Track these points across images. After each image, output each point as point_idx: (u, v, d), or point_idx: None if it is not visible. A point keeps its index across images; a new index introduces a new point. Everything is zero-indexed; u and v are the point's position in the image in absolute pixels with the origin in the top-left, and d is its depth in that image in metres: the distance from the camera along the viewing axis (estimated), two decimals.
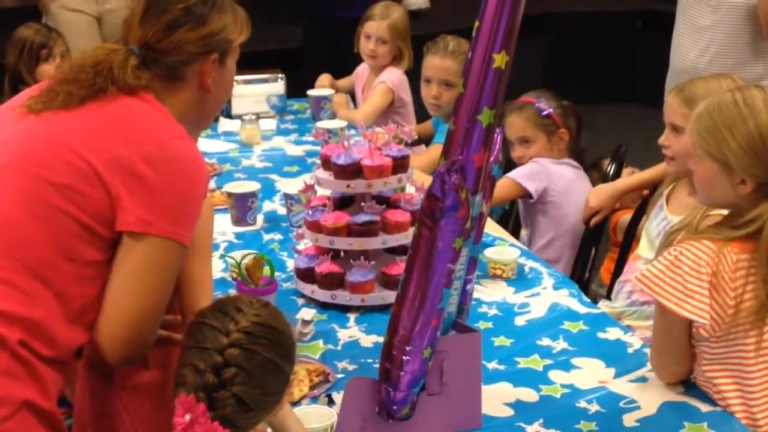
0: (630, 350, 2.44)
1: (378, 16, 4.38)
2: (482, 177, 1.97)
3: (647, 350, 2.41)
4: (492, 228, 3.15)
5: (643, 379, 2.31)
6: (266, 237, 3.16)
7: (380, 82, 4.29)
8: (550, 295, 2.75)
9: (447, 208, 1.93)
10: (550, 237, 3.41)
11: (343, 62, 4.65)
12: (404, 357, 1.99)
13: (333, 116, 4.28)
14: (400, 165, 2.70)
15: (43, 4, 5.48)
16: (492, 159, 2.02)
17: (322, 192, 2.81)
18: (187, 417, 1.65)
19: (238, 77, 4.54)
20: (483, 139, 1.93)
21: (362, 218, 2.65)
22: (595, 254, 3.46)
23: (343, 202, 2.72)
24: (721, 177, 2.15)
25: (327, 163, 2.71)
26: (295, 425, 1.92)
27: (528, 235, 3.52)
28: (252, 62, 4.63)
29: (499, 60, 1.87)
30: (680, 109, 2.76)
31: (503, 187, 3.31)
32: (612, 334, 2.52)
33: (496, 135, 1.98)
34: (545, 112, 3.45)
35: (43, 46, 4.15)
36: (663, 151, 2.85)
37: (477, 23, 1.87)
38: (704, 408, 2.18)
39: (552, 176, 3.41)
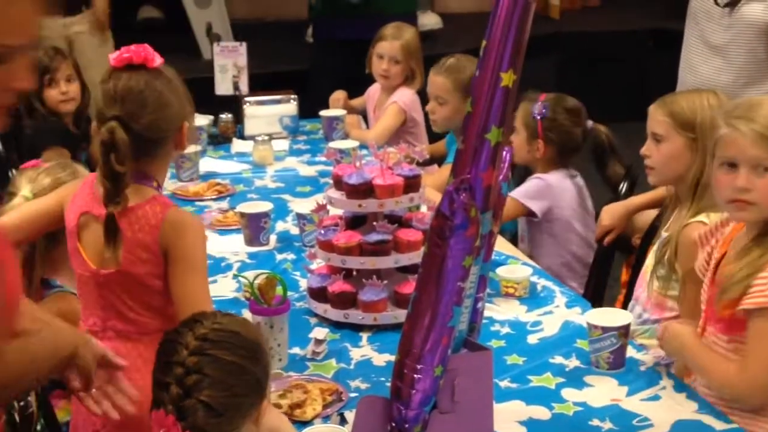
0: (642, 368, 2.43)
1: (390, 36, 4.38)
2: (491, 195, 1.96)
3: (660, 369, 2.41)
4: (504, 246, 3.15)
5: (656, 397, 2.30)
6: (279, 257, 3.16)
7: (392, 102, 4.29)
8: (563, 313, 2.74)
9: (456, 227, 1.92)
10: (558, 254, 3.40)
11: (355, 83, 4.66)
12: (415, 375, 1.98)
13: (345, 136, 4.29)
14: (411, 184, 2.70)
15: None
16: (501, 177, 2.01)
17: (335, 212, 2.82)
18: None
19: (250, 98, 4.61)
20: (491, 158, 1.91)
21: (374, 237, 2.65)
22: (609, 272, 3.44)
23: (355, 222, 2.73)
24: None
25: (339, 183, 2.72)
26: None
27: (527, 250, 3.47)
28: (264, 83, 4.68)
29: (507, 79, 1.86)
30: (662, 119, 2.75)
31: (507, 206, 3.30)
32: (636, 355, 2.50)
33: (504, 153, 1.98)
34: (535, 115, 3.43)
35: (46, 70, 4.12)
36: (645, 161, 2.84)
37: (484, 42, 1.87)
38: (718, 426, 2.15)
39: (555, 193, 3.41)
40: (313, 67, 5.99)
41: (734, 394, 2.18)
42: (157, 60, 2.27)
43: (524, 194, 3.41)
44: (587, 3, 8.33)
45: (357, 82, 4.57)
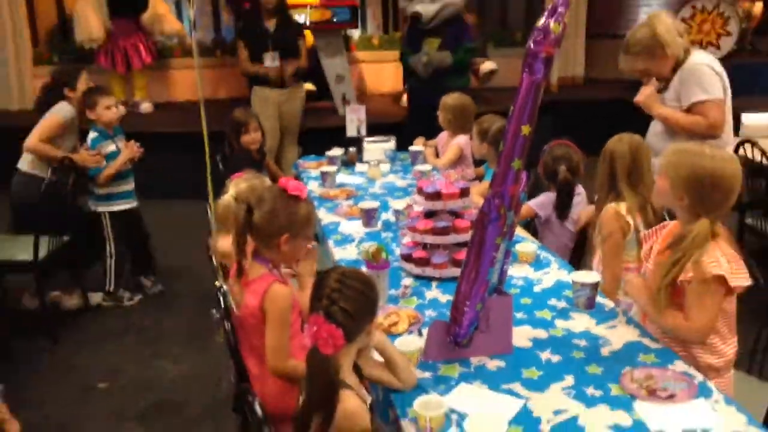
0: (606, 309, 2.37)
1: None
2: (514, 201, 1.95)
3: (618, 310, 2.35)
4: (520, 231, 3.13)
5: (613, 327, 2.24)
6: (384, 235, 3.15)
7: (454, 143, 4.25)
8: (556, 273, 2.70)
9: (492, 219, 1.93)
10: (554, 240, 3.32)
11: (431, 130, 4.62)
12: (465, 308, 1.99)
13: (424, 162, 4.28)
14: (464, 192, 2.69)
15: None
16: (521, 189, 1.99)
17: (417, 208, 2.81)
18: (314, 327, 1.68)
19: (367, 138, 4.62)
20: (515, 178, 1.92)
21: (441, 224, 2.64)
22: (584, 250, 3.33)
23: (429, 214, 2.72)
24: None
25: (420, 191, 2.71)
26: (394, 349, 1.92)
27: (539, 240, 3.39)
28: (376, 130, 4.69)
29: (526, 130, 1.86)
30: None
31: (524, 210, 3.27)
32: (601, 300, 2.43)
33: (523, 175, 1.96)
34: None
35: (243, 124, 4.15)
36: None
37: (512, 107, 1.87)
38: (653, 345, 2.10)
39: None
40: (407, 119, 5.98)
41: (682, 336, 2.11)
42: (302, 192, 2.10)
43: (536, 204, 3.34)
44: (575, 82, 8.18)
45: (433, 129, 4.54)
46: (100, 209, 4.17)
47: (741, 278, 2.02)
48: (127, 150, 4.12)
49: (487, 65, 7.03)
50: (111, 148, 4.10)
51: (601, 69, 7.79)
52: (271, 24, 5.48)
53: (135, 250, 4.37)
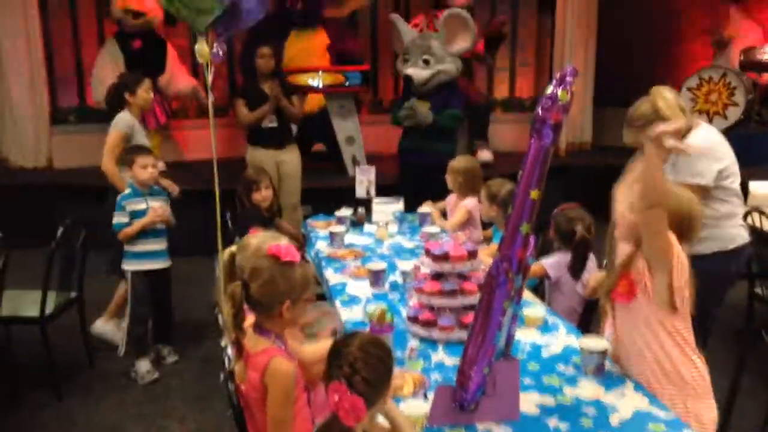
0: (614, 375, 2.33)
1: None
2: (521, 265, 1.95)
3: (625, 377, 2.32)
4: (528, 295, 3.10)
5: (622, 395, 2.20)
6: (390, 296, 3.14)
7: (462, 205, 4.28)
8: (564, 339, 2.68)
9: (499, 283, 1.93)
10: (563, 303, 3.28)
11: (421, 190, 4.63)
12: (471, 373, 1.98)
13: (432, 224, 4.29)
14: (472, 255, 2.69)
15: None
16: (528, 254, 1.98)
17: (425, 270, 2.81)
18: (336, 396, 1.66)
19: (376, 199, 4.64)
20: (523, 242, 1.92)
21: (448, 287, 2.64)
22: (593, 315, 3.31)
23: (437, 276, 2.71)
24: None
25: (428, 253, 2.71)
26: (399, 413, 1.89)
27: (546, 299, 3.36)
28: (384, 192, 4.73)
29: (534, 194, 1.87)
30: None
31: (536, 269, 3.26)
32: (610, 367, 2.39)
33: (531, 239, 1.96)
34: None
35: (254, 181, 4.19)
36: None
37: (521, 172, 1.88)
38: (663, 415, 2.06)
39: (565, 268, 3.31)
40: (398, 179, 5.97)
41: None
42: (295, 257, 1.97)
43: (548, 264, 3.32)
44: (582, 147, 8.27)
45: (423, 189, 4.55)
46: (125, 267, 4.05)
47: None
48: (152, 213, 4.00)
49: (484, 155, 7.12)
50: (141, 206, 4.00)
51: (610, 136, 7.88)
52: (266, 87, 5.58)
53: (158, 313, 4.20)
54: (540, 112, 1.84)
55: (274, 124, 5.58)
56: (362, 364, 1.68)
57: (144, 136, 4.47)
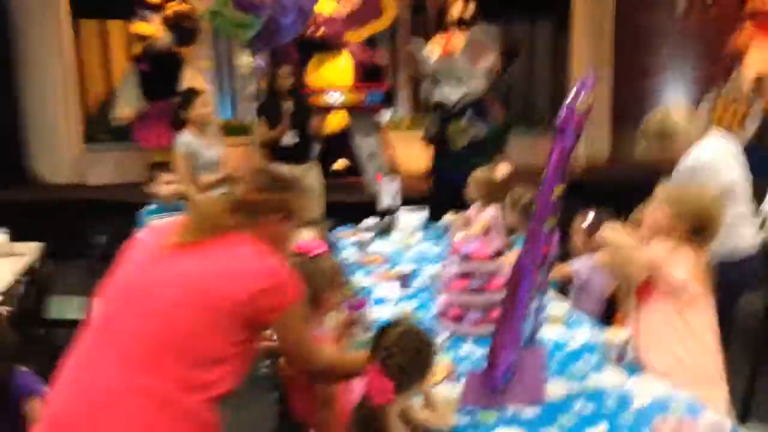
0: (638, 365, 2.43)
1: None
2: (545, 260, 2.04)
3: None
4: (551, 294, 3.16)
5: (645, 378, 2.31)
6: (419, 296, 3.23)
7: (484, 215, 4.33)
8: (587, 332, 2.76)
9: (525, 274, 2.01)
10: (587, 300, 3.31)
11: (461, 204, 4.71)
12: (500, 359, 2.07)
13: (455, 233, 4.35)
14: (498, 254, 2.80)
15: None
16: (552, 249, 2.07)
17: (452, 269, 2.85)
18: (371, 375, 1.77)
19: (404, 207, 4.69)
20: (547, 238, 2.01)
21: (475, 284, 2.73)
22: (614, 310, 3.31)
23: (464, 275, 2.79)
24: None
25: (456, 252, 2.80)
26: (435, 396, 1.99)
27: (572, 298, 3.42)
28: (410, 203, 4.82)
29: (558, 190, 1.98)
30: None
31: (563, 271, 3.33)
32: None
33: (555, 235, 2.04)
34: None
35: None
36: None
37: (545, 170, 1.98)
38: (682, 395, 2.16)
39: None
40: (431, 197, 6.09)
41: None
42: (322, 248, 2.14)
43: (580, 264, 3.34)
44: (599, 163, 8.35)
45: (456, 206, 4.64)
46: None
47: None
48: None
49: (503, 168, 7.19)
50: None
51: (627, 152, 7.93)
52: (287, 105, 5.69)
53: None
54: (563, 115, 1.96)
55: (294, 141, 5.69)
56: (398, 350, 1.77)
57: (209, 149, 4.46)
